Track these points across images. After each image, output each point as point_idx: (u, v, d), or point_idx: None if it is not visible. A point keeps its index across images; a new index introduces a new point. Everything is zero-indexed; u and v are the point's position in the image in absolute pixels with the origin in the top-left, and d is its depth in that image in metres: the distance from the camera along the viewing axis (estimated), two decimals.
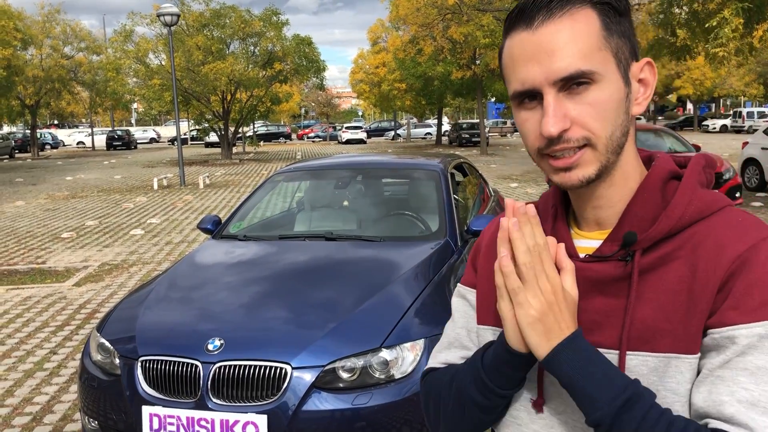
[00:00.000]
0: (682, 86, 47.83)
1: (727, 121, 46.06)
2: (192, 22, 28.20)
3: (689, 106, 62.25)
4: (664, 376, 0.86)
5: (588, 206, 0.96)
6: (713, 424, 0.82)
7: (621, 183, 0.93)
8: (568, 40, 0.85)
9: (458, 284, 1.16)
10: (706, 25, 10.90)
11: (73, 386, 4.66)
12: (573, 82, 0.85)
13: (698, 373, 0.86)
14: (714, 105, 58.83)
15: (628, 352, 0.88)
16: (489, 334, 1.05)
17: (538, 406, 0.98)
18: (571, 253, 0.95)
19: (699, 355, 0.86)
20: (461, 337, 1.12)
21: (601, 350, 0.89)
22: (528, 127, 0.90)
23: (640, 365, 0.88)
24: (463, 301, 1.14)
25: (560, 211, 1.01)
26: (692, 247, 0.88)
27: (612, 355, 0.89)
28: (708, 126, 47.33)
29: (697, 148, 12.48)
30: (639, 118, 54.59)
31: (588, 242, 0.97)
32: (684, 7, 12.37)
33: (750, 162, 13.93)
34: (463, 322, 1.12)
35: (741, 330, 0.82)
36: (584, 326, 0.91)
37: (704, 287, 0.85)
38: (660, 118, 59.67)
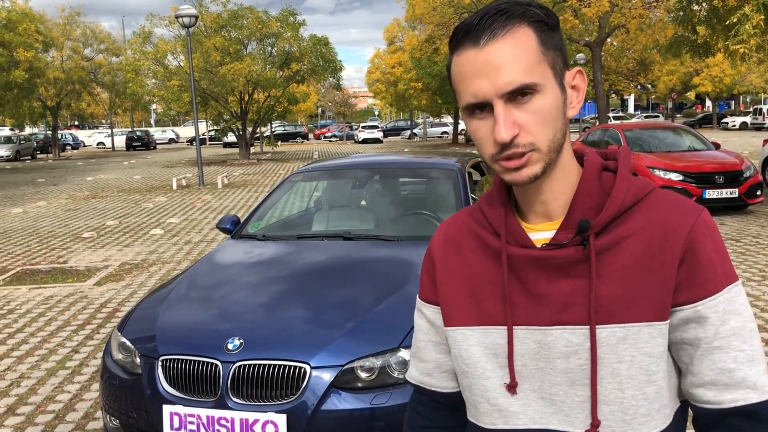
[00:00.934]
0: (700, 83, 47.32)
1: (747, 119, 45.51)
2: (210, 24, 28.36)
3: (708, 103, 61.54)
4: (638, 343, 0.98)
5: (535, 201, 1.06)
6: (733, 395, 0.98)
7: (562, 177, 1.05)
8: (512, 57, 0.95)
9: (417, 298, 1.24)
10: (727, 22, 10.76)
11: (95, 384, 4.71)
12: (518, 94, 0.95)
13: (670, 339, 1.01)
14: (733, 102, 58.13)
15: (597, 326, 0.99)
16: (458, 335, 1.12)
17: (512, 388, 1.07)
18: (528, 244, 1.05)
19: (668, 321, 0.99)
20: (420, 350, 1.24)
21: (573, 327, 1.01)
22: (481, 134, 1.00)
23: (609, 336, 0.99)
24: (419, 314, 1.23)
25: (509, 208, 1.10)
26: (639, 227, 1.01)
27: (583, 330, 1.00)
28: (727, 123, 46.80)
29: (717, 145, 12.35)
30: (657, 116, 54.19)
31: (539, 234, 1.06)
32: (704, 4, 12.22)
33: None
34: (421, 335, 1.23)
35: (717, 299, 0.98)
36: (555, 308, 1.02)
37: (664, 262, 0.98)
38: (678, 115, 59.05)
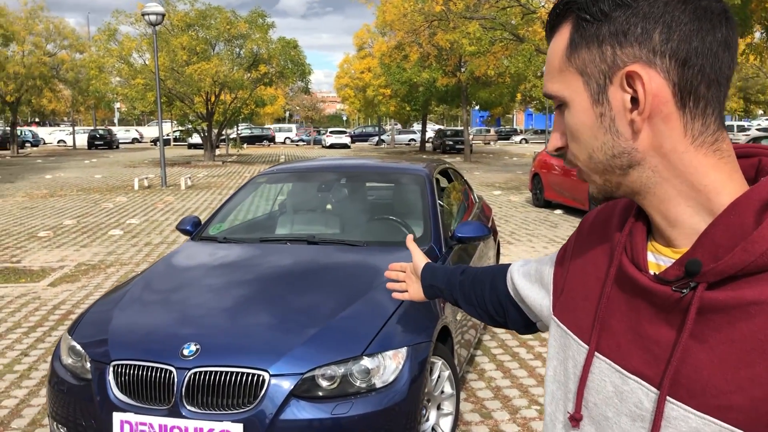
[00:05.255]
0: None
1: None
2: (177, 22, 27.96)
3: None
4: None
5: (653, 221, 0.82)
6: None
7: (680, 201, 0.77)
8: (548, 61, 0.83)
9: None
10: None
11: (44, 390, 4.52)
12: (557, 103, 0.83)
13: None
14: None
15: (668, 398, 0.74)
16: (555, 327, 0.97)
17: (575, 421, 0.88)
18: (641, 266, 0.81)
19: None
20: (534, 267, 1.15)
21: (648, 386, 0.78)
22: None
23: (679, 420, 0.74)
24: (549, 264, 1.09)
25: (642, 215, 0.86)
26: None
27: (653, 395, 0.77)
28: None
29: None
30: None
31: (661, 259, 0.81)
32: None
33: None
34: (539, 267, 1.12)
35: None
36: (643, 355, 0.79)
37: None
38: None
